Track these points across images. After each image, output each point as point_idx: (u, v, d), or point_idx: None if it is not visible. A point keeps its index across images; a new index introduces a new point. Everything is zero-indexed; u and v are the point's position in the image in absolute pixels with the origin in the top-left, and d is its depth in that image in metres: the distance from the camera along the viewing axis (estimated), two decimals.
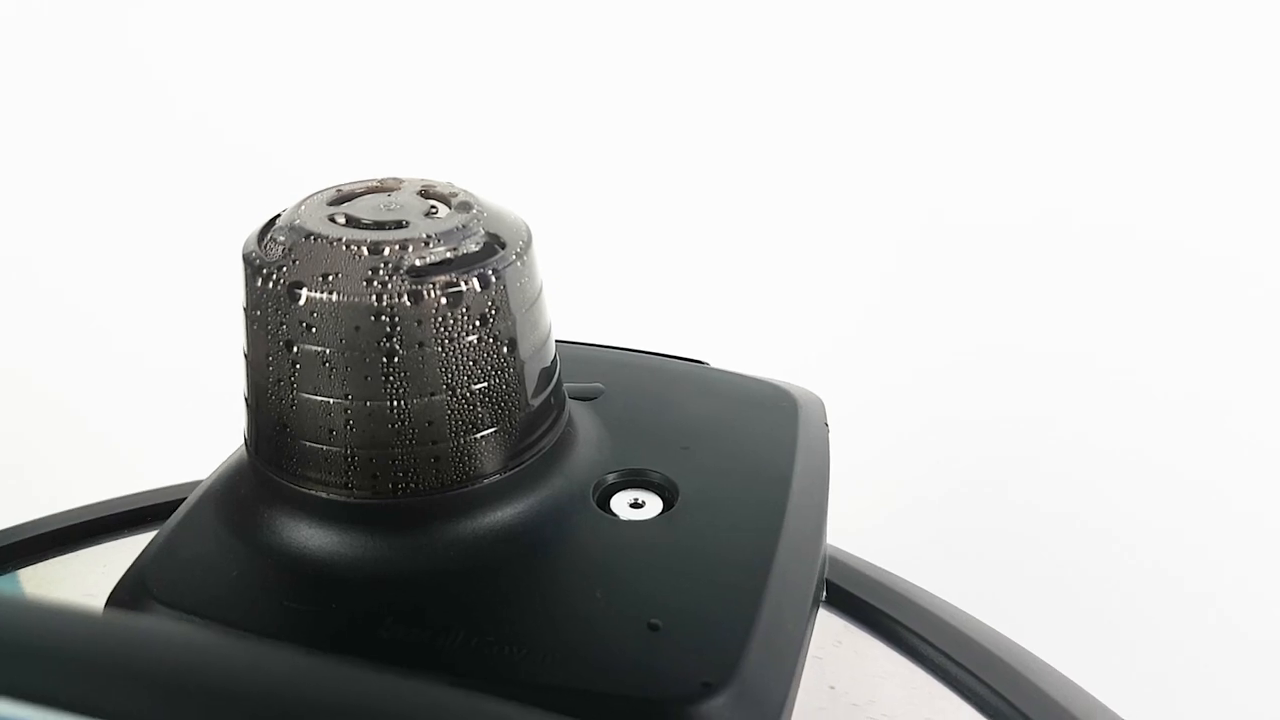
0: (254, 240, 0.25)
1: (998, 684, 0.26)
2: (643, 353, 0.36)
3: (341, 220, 0.25)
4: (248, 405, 0.26)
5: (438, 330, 0.24)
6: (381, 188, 0.27)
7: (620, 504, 0.27)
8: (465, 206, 0.26)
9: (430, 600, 0.23)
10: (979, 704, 0.26)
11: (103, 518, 0.32)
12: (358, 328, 0.23)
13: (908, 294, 0.55)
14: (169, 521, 0.27)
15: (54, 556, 0.32)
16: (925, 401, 0.55)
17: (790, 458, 0.30)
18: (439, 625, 0.23)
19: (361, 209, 0.25)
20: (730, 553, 0.25)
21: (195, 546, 0.25)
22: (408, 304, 0.23)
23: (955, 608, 0.30)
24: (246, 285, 0.24)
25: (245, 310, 0.25)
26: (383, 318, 0.23)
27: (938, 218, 0.55)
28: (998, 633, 0.29)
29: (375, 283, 0.23)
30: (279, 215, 0.26)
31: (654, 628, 0.23)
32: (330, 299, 0.23)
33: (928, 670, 0.27)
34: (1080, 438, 0.54)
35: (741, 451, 0.30)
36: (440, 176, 0.28)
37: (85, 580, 0.31)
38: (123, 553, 0.32)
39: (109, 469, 0.64)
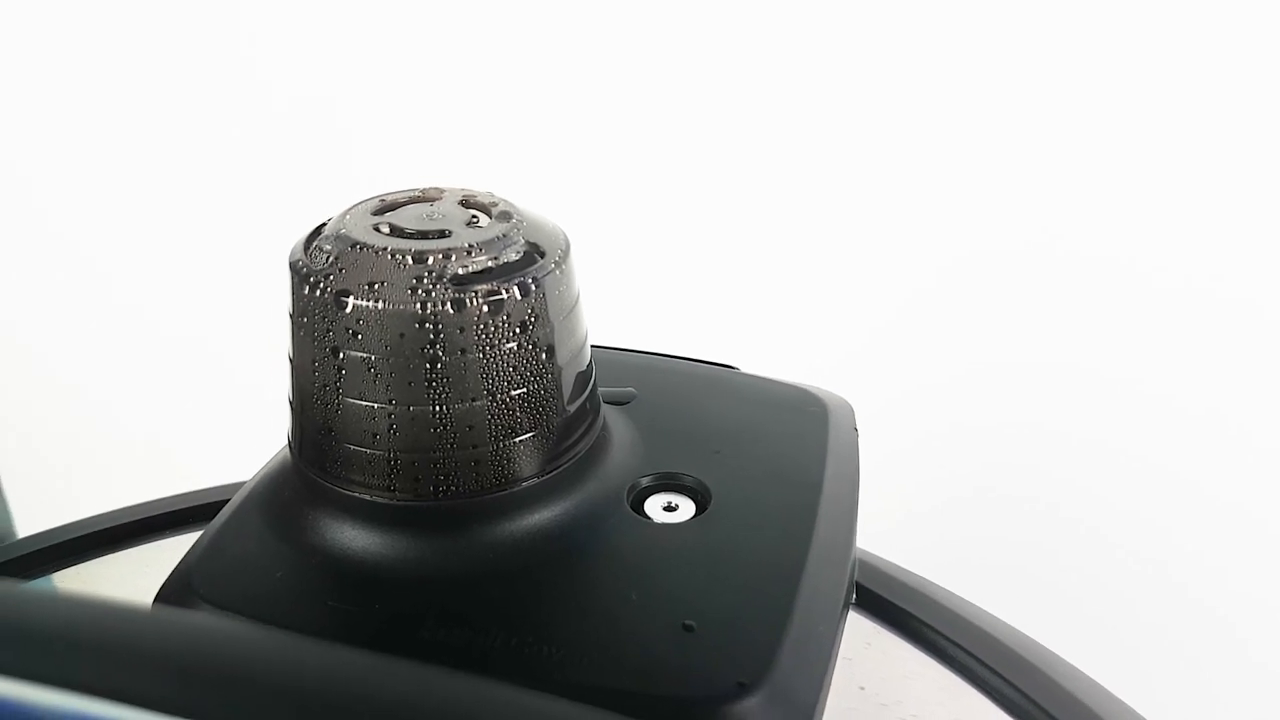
0: (300, 248, 0.26)
1: (1024, 684, 0.26)
2: (674, 358, 0.37)
3: (386, 229, 0.25)
4: (292, 409, 0.27)
5: (479, 337, 0.24)
6: (424, 197, 0.27)
7: (654, 507, 0.28)
8: (505, 216, 0.26)
9: (470, 601, 0.24)
10: (1005, 704, 0.26)
11: (146, 519, 0.33)
12: (402, 335, 0.24)
13: (933, 298, 0.56)
14: (214, 522, 0.27)
15: (97, 557, 0.32)
16: (948, 406, 0.55)
17: (821, 462, 0.30)
18: (478, 626, 0.23)
19: (405, 218, 0.26)
20: (763, 556, 0.26)
21: (240, 546, 0.26)
22: (451, 312, 0.24)
23: (981, 609, 0.30)
24: (293, 292, 0.25)
25: (291, 317, 0.26)
26: (426, 325, 0.24)
27: (963, 225, 0.55)
28: (1023, 634, 0.30)
29: (420, 291, 0.24)
30: (325, 224, 0.26)
31: (688, 629, 0.23)
32: (376, 307, 0.24)
33: (955, 671, 0.27)
34: (1102, 444, 0.54)
35: (772, 456, 0.30)
36: (480, 186, 0.29)
37: (130, 580, 0.32)
38: (167, 553, 0.33)
39: (152, 470, 0.65)
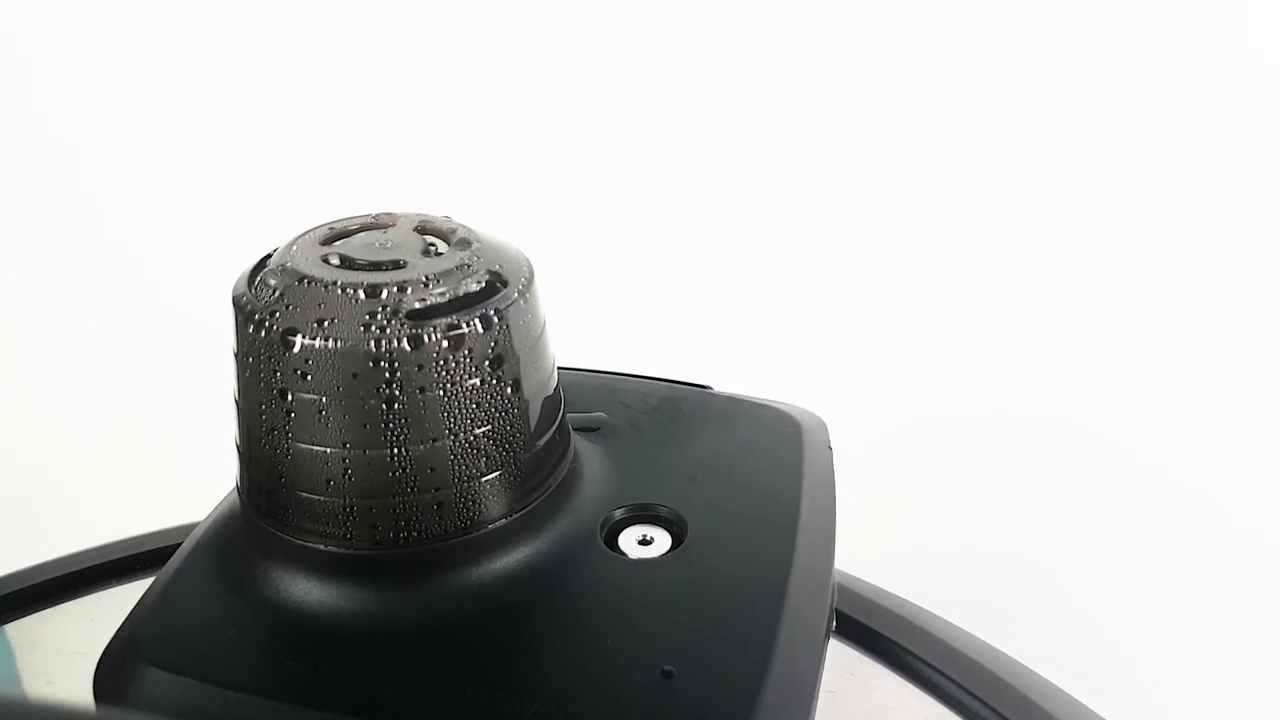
0: (244, 283, 0.24)
1: (1013, 714, 0.25)
2: (644, 378, 0.36)
3: (335, 261, 0.24)
4: (239, 454, 0.25)
5: (439, 374, 0.23)
6: (376, 224, 0.26)
7: (629, 541, 0.27)
8: (464, 243, 0.25)
9: (437, 655, 0.23)
10: None
11: (90, 567, 0.31)
12: (355, 375, 0.22)
13: (906, 311, 0.55)
14: (161, 574, 0.26)
15: (39, 610, 0.30)
16: (917, 418, 0.54)
17: (797, 483, 0.29)
18: (447, 682, 0.22)
19: (356, 248, 0.24)
20: (742, 589, 0.25)
21: (190, 603, 0.24)
22: (407, 349, 0.22)
23: (965, 632, 0.29)
24: (237, 330, 0.24)
25: (236, 356, 0.24)
26: (381, 364, 0.22)
27: (934, 236, 0.54)
28: (1009, 657, 0.29)
29: (373, 328, 0.22)
30: (269, 255, 0.25)
31: (668, 674, 0.22)
32: (326, 346, 0.22)
33: (941, 700, 0.27)
34: (1078, 454, 0.53)
35: (748, 480, 0.29)
36: (437, 209, 0.27)
37: (73, 636, 0.30)
38: (109, 605, 0.31)
39: (89, 514, 0.63)
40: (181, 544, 0.27)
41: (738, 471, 0.30)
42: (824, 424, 0.34)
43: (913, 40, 0.52)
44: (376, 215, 0.26)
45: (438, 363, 0.23)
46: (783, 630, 0.23)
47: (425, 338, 0.22)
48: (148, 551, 0.33)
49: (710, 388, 0.37)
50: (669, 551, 0.26)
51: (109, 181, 0.63)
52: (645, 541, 0.27)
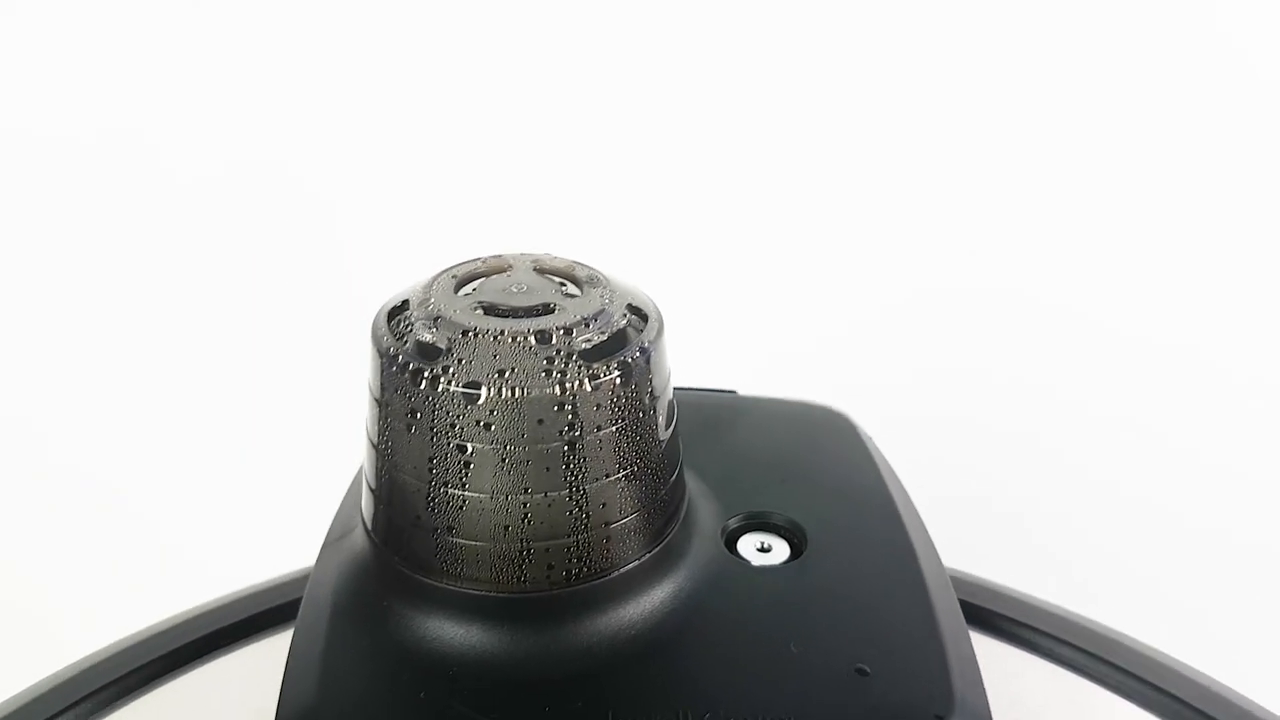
0: (389, 337, 0.24)
1: (1114, 658, 0.28)
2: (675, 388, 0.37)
3: (480, 310, 0.24)
4: (383, 506, 0.25)
5: (613, 411, 0.23)
6: (497, 268, 0.26)
7: (748, 549, 0.28)
8: (594, 281, 0.25)
9: (638, 687, 0.23)
10: (1116, 688, 0.28)
11: (168, 653, 0.29)
12: (541, 420, 0.22)
13: (891, 313, 0.57)
14: (299, 650, 0.25)
15: (119, 705, 0.28)
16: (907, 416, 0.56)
17: (878, 476, 0.31)
18: (657, 712, 0.22)
19: (495, 294, 0.24)
20: (885, 585, 0.26)
21: (354, 671, 0.24)
22: (588, 390, 0.23)
23: (1041, 598, 0.32)
24: (399, 389, 0.23)
25: (393, 416, 0.23)
26: (565, 407, 0.22)
27: (923, 241, 0.57)
28: (1087, 618, 0.32)
29: (554, 373, 0.22)
30: (403, 305, 0.24)
31: (862, 672, 0.23)
32: (512, 395, 0.22)
33: (1055, 663, 0.29)
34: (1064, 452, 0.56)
35: (833, 477, 0.31)
36: (525, 247, 0.28)
37: None
38: (188, 691, 0.29)
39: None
40: (298, 617, 0.26)
41: (820, 472, 0.31)
42: (853, 417, 0.37)
43: (906, 37, 0.54)
44: (487, 259, 0.26)
45: (612, 400, 0.23)
46: (939, 618, 0.25)
47: (601, 376, 0.23)
48: (209, 634, 0.31)
49: (735, 391, 0.39)
50: (794, 557, 0.27)
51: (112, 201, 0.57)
52: (764, 549, 0.28)
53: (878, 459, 0.33)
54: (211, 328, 0.59)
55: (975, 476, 0.55)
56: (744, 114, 0.56)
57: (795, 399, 0.38)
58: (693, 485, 0.29)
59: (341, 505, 0.29)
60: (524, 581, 0.24)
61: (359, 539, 0.26)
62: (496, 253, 0.26)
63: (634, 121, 0.56)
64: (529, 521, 0.23)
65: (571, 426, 0.23)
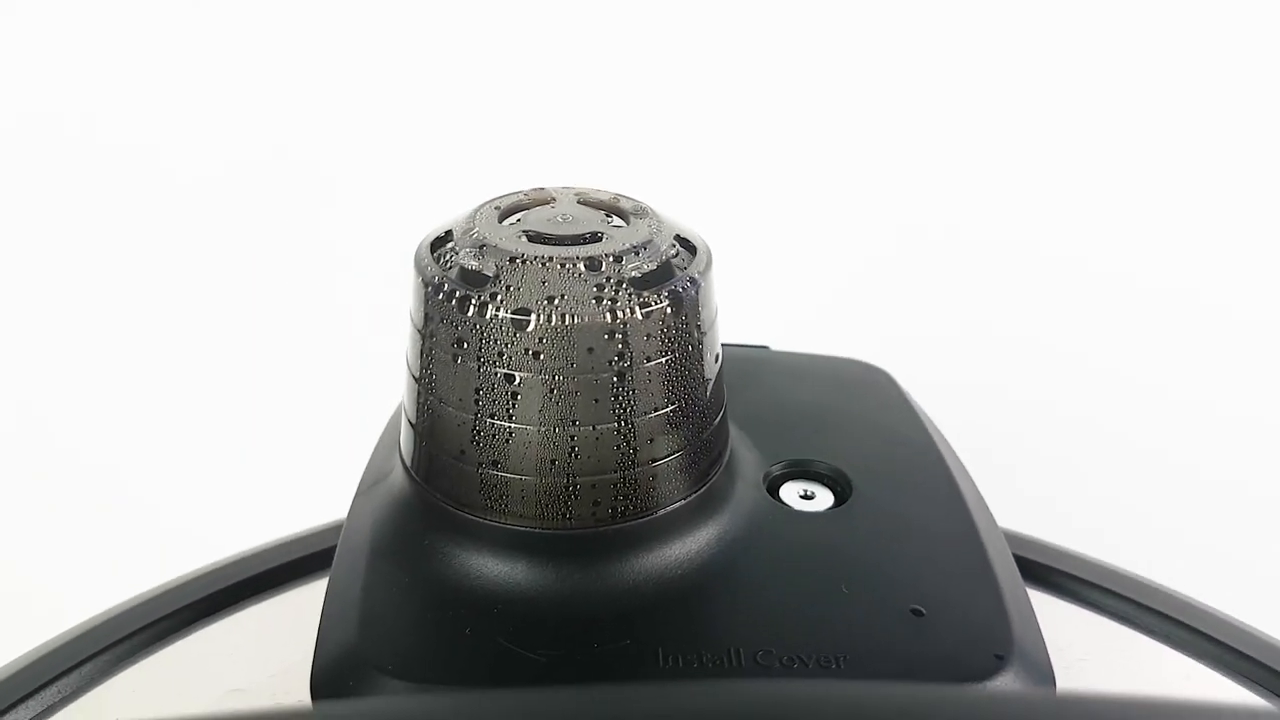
0: (433, 264, 0.23)
1: (1174, 612, 0.28)
2: None
3: (526, 238, 0.23)
4: (424, 441, 0.24)
5: (664, 342, 0.23)
6: (540, 199, 0.25)
7: (791, 496, 0.27)
8: (642, 212, 0.25)
9: (693, 624, 0.22)
10: (1162, 636, 0.28)
11: (202, 599, 0.29)
12: (591, 349, 0.22)
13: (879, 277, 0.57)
14: (338, 584, 0.24)
15: (149, 651, 0.28)
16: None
17: (922, 428, 0.31)
18: (714, 648, 0.22)
19: (540, 223, 0.24)
20: (937, 529, 0.26)
21: (395, 605, 0.23)
22: (640, 318, 0.22)
23: (1083, 551, 0.31)
24: (444, 318, 0.22)
25: (439, 344, 0.23)
26: (616, 335, 0.22)
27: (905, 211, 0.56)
28: (1125, 569, 0.31)
29: (604, 300, 0.22)
30: (447, 234, 0.24)
31: (918, 613, 0.23)
32: (563, 323, 0.21)
33: (1100, 613, 0.29)
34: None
35: (877, 429, 0.30)
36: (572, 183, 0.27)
37: (212, 671, 0.28)
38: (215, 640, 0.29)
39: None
40: (336, 547, 0.26)
41: (862, 422, 0.31)
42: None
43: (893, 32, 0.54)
44: (528, 192, 0.25)
45: (662, 330, 0.22)
46: (994, 563, 0.24)
47: (653, 304, 0.22)
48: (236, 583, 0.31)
49: (767, 347, 0.38)
50: (838, 504, 0.27)
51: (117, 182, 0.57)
52: (807, 496, 0.27)
53: (920, 411, 0.32)
54: (219, 323, 0.58)
55: (1008, 434, 0.54)
56: (780, 69, 0.55)
57: (829, 355, 0.37)
58: (734, 434, 0.29)
59: (371, 460, 0.28)
60: (569, 518, 0.23)
61: (397, 479, 0.26)
62: (537, 186, 0.26)
63: (675, 79, 0.55)
64: (576, 455, 0.23)
65: (621, 356, 0.22)
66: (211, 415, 0.58)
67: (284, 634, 0.29)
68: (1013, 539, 0.31)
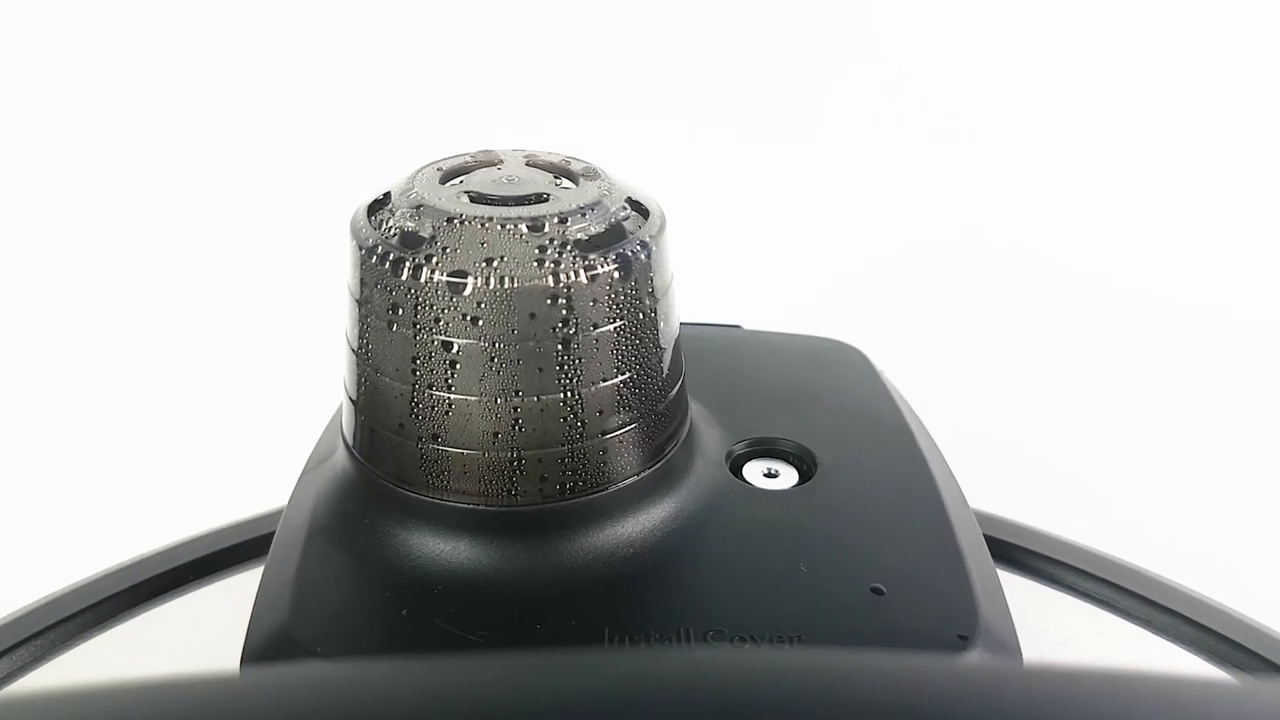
0: (368, 226, 0.22)
1: (1155, 597, 0.27)
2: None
3: (467, 199, 0.22)
4: (364, 417, 0.23)
5: (611, 308, 0.21)
6: (487, 161, 0.24)
7: (754, 474, 0.26)
8: (592, 173, 0.23)
9: (641, 604, 0.21)
10: (1142, 620, 0.27)
11: (148, 579, 0.28)
12: (533, 314, 0.21)
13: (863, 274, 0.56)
14: (276, 563, 0.23)
15: (101, 629, 0.27)
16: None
17: (894, 406, 0.30)
18: (661, 628, 0.21)
19: (483, 184, 0.23)
20: (903, 507, 0.25)
21: (329, 585, 0.22)
22: (585, 282, 0.21)
23: (1062, 535, 0.30)
24: (377, 283, 0.21)
25: (375, 311, 0.22)
26: (559, 300, 0.21)
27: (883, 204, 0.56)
28: (1097, 549, 0.30)
29: (547, 262, 0.21)
30: (385, 196, 0.23)
31: (878, 591, 0.22)
32: (502, 286, 0.20)
33: (1072, 593, 0.28)
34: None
35: (847, 407, 0.29)
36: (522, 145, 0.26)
37: (141, 652, 0.27)
38: (161, 620, 0.28)
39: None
40: (276, 531, 0.24)
41: (832, 401, 0.30)
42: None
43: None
44: (475, 154, 0.24)
45: (610, 295, 0.21)
46: (962, 543, 0.23)
47: (599, 267, 0.21)
48: (184, 565, 0.29)
49: (740, 326, 0.37)
50: (801, 482, 0.26)
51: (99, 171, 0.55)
52: (771, 475, 0.26)
53: (893, 390, 0.31)
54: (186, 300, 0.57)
55: (989, 417, 0.53)
56: (755, 46, 0.54)
57: (803, 334, 0.36)
58: (696, 412, 0.28)
59: (320, 438, 0.27)
60: (515, 494, 0.22)
61: (339, 458, 0.25)
62: (485, 148, 0.25)
63: (645, 57, 0.54)
64: (520, 428, 0.21)
65: (566, 322, 0.21)
66: (166, 399, 0.57)
67: (229, 617, 0.28)
68: (990, 521, 0.31)
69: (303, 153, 0.55)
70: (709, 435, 0.27)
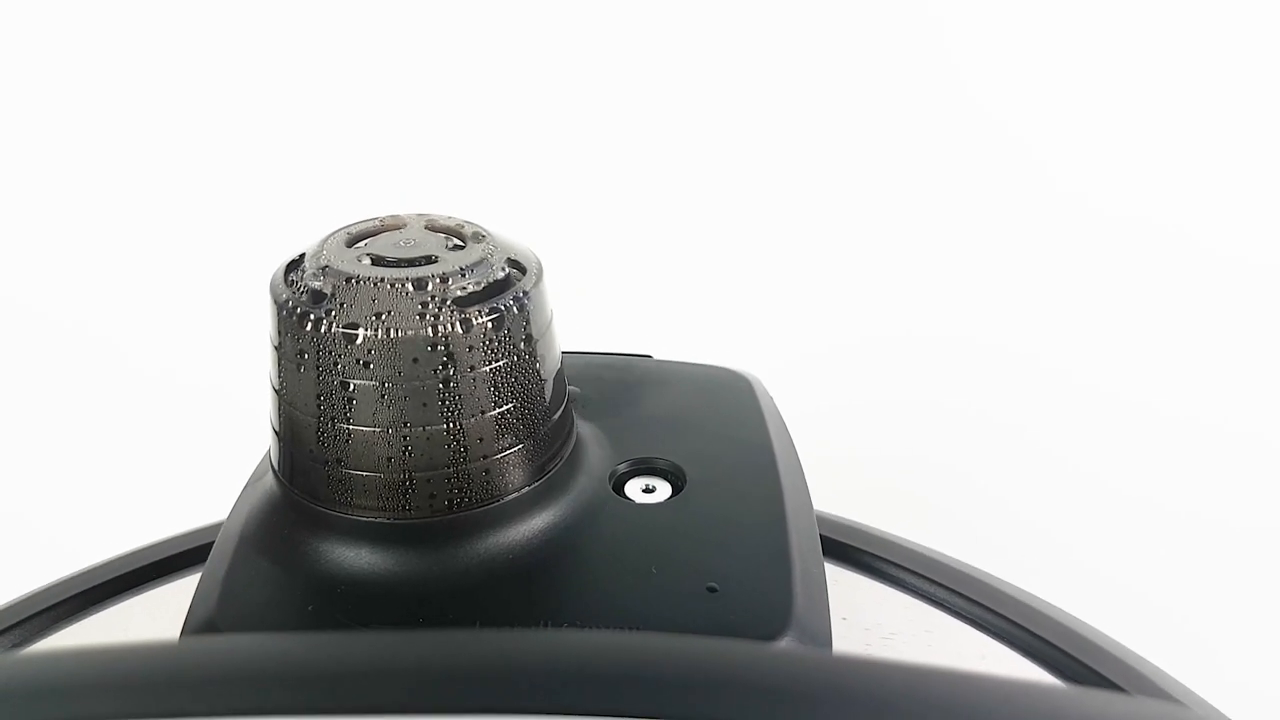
0: (284, 286, 0.26)
1: (974, 594, 0.31)
2: (589, 353, 0.39)
3: (368, 261, 0.26)
4: (284, 444, 0.27)
5: (486, 353, 0.26)
6: (391, 225, 0.28)
7: (634, 490, 0.30)
8: (479, 237, 0.28)
9: (507, 602, 0.25)
10: (958, 613, 0.31)
11: (106, 581, 0.32)
12: (415, 360, 0.25)
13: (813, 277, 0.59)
14: (211, 570, 0.27)
15: (63, 625, 0.31)
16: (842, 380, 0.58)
17: (764, 429, 0.34)
18: (528, 624, 0.25)
19: (384, 248, 0.27)
20: (750, 519, 0.29)
21: (253, 588, 0.26)
22: (460, 332, 0.25)
23: (917, 542, 0.34)
24: (288, 332, 0.25)
25: (285, 357, 0.26)
26: (439, 348, 0.25)
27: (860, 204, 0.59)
28: (953, 557, 0.34)
29: (428, 316, 0.25)
30: (300, 259, 0.27)
31: (712, 590, 0.26)
32: (388, 336, 0.25)
33: (913, 595, 0.32)
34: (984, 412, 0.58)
35: (722, 430, 0.33)
36: (423, 209, 0.30)
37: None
38: (121, 617, 0.32)
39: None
40: (214, 542, 0.29)
41: (711, 424, 0.34)
42: (758, 379, 0.39)
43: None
44: (384, 219, 0.28)
45: (485, 342, 0.25)
46: (793, 546, 0.27)
47: (474, 320, 0.25)
48: (144, 567, 0.34)
49: (651, 356, 0.41)
50: (673, 496, 0.30)
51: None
52: (649, 490, 0.30)
53: (768, 413, 0.35)
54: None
55: (869, 434, 0.57)
56: (674, 87, 0.58)
57: (706, 363, 0.40)
58: (590, 435, 0.32)
59: (260, 461, 0.31)
60: (409, 509, 0.26)
61: (268, 479, 0.29)
62: (395, 213, 0.29)
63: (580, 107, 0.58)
64: (410, 453, 0.26)
65: (446, 366, 0.25)
66: (128, 421, 0.61)
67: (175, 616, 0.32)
68: (841, 528, 0.35)
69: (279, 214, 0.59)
70: (596, 454, 0.31)
